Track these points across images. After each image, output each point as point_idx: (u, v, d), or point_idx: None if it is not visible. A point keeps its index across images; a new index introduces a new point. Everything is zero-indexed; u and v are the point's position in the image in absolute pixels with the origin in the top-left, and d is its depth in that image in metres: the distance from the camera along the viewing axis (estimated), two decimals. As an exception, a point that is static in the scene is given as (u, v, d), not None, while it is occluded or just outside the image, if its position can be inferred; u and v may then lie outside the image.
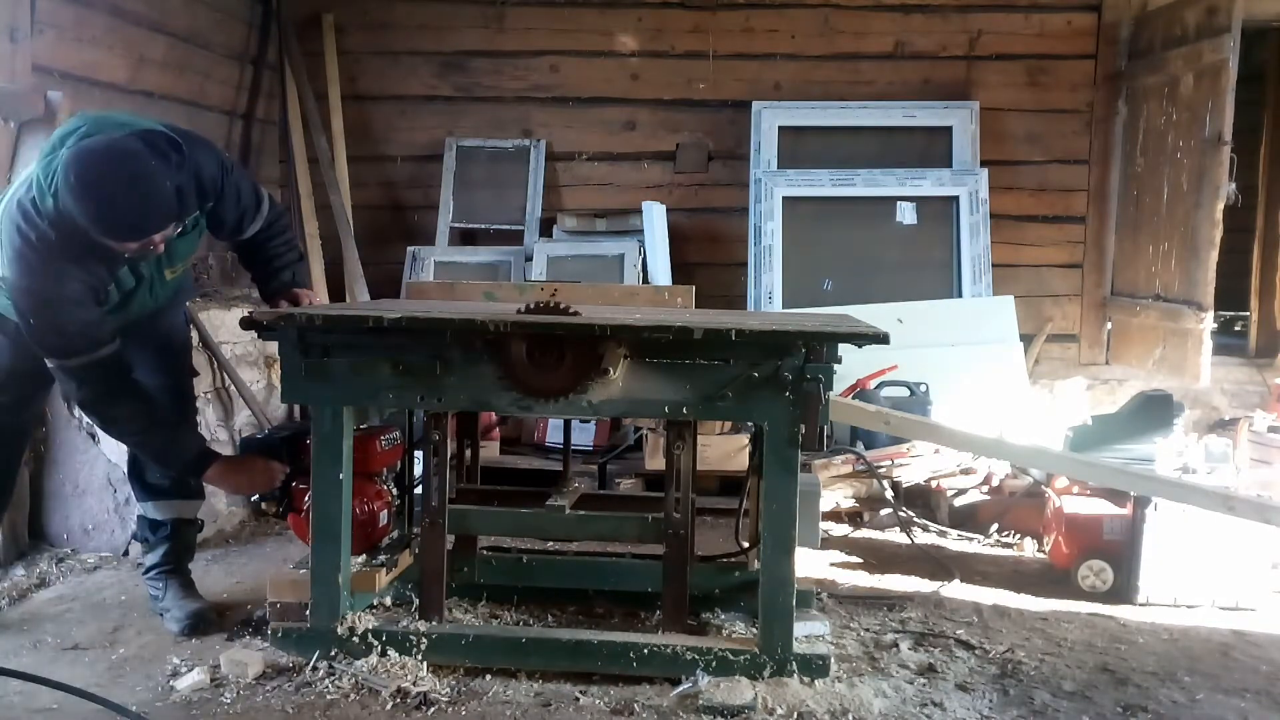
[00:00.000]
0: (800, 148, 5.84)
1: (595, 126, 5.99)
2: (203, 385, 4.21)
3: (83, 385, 2.83)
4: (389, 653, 2.78)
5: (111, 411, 2.92)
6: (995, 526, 4.22)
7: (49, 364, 2.82)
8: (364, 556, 3.01)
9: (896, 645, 3.06)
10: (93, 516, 3.88)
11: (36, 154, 2.80)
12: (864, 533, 4.36)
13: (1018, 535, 4.18)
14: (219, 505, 4.18)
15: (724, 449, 4.46)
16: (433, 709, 2.60)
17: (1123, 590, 3.53)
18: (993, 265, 5.67)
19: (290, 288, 3.18)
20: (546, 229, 5.89)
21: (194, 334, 4.18)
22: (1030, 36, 5.88)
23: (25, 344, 2.82)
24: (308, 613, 2.82)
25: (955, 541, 4.20)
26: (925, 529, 4.30)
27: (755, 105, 5.80)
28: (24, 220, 2.67)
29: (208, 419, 4.20)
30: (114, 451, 3.75)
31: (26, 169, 2.84)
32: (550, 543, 3.80)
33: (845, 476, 4.44)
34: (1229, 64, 4.77)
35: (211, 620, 3.12)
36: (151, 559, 3.25)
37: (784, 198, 5.69)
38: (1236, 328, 7.47)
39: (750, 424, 3.90)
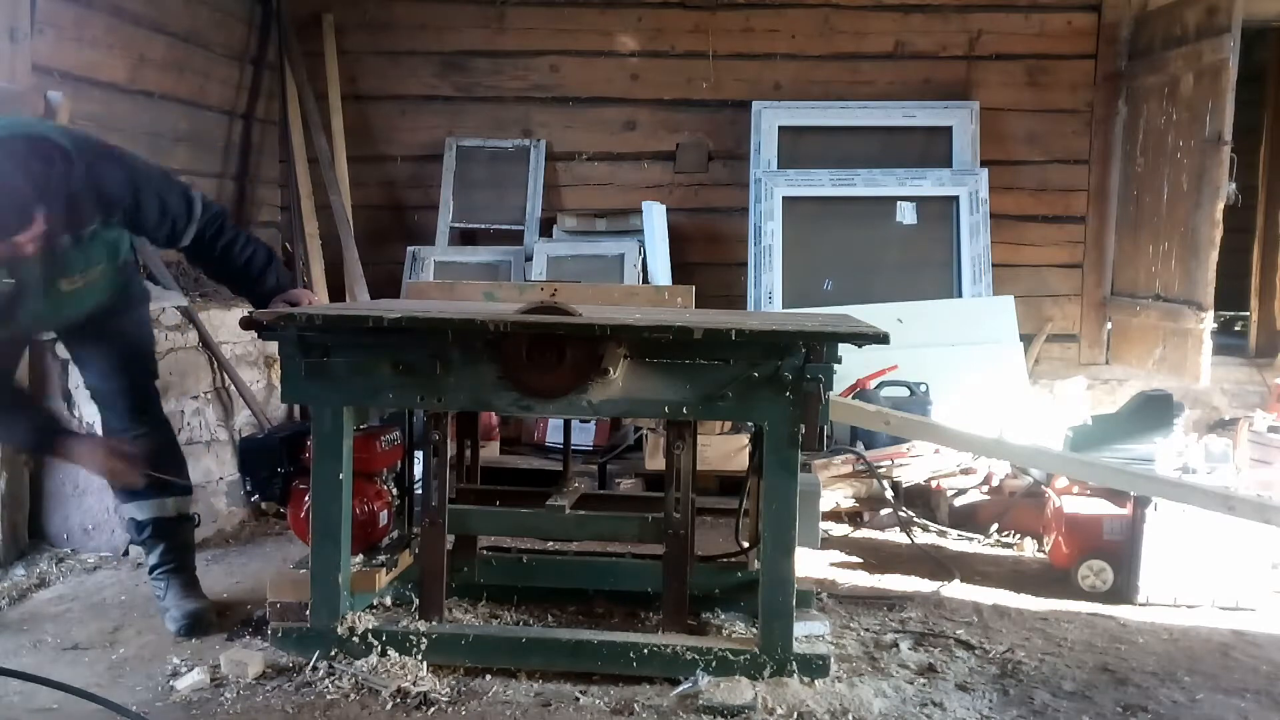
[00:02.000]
0: (800, 148, 5.83)
1: (595, 126, 5.99)
2: (203, 385, 4.22)
3: None
4: (389, 653, 2.78)
5: None
6: (995, 526, 4.22)
7: None
8: (364, 556, 3.01)
9: (896, 645, 3.06)
10: (93, 516, 3.88)
11: None
12: (864, 533, 4.36)
13: (1018, 535, 4.18)
14: (219, 505, 4.18)
15: (724, 449, 4.47)
16: (433, 709, 2.60)
17: (1123, 590, 3.53)
18: (993, 265, 5.67)
19: (278, 291, 3.15)
20: (546, 229, 5.89)
21: (194, 334, 4.20)
22: (1030, 36, 5.88)
23: None
24: (308, 613, 2.82)
25: (955, 541, 4.20)
26: (925, 529, 4.30)
27: (755, 105, 5.80)
28: None
29: (208, 419, 4.21)
30: (114, 451, 3.75)
31: None
32: (550, 543, 3.80)
33: (845, 476, 4.44)
34: (1229, 64, 4.77)
35: (210, 620, 3.12)
36: (152, 559, 3.26)
37: (784, 198, 5.69)
38: (1236, 328, 7.47)
39: (750, 424, 3.90)
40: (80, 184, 2.75)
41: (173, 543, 3.26)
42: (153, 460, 3.11)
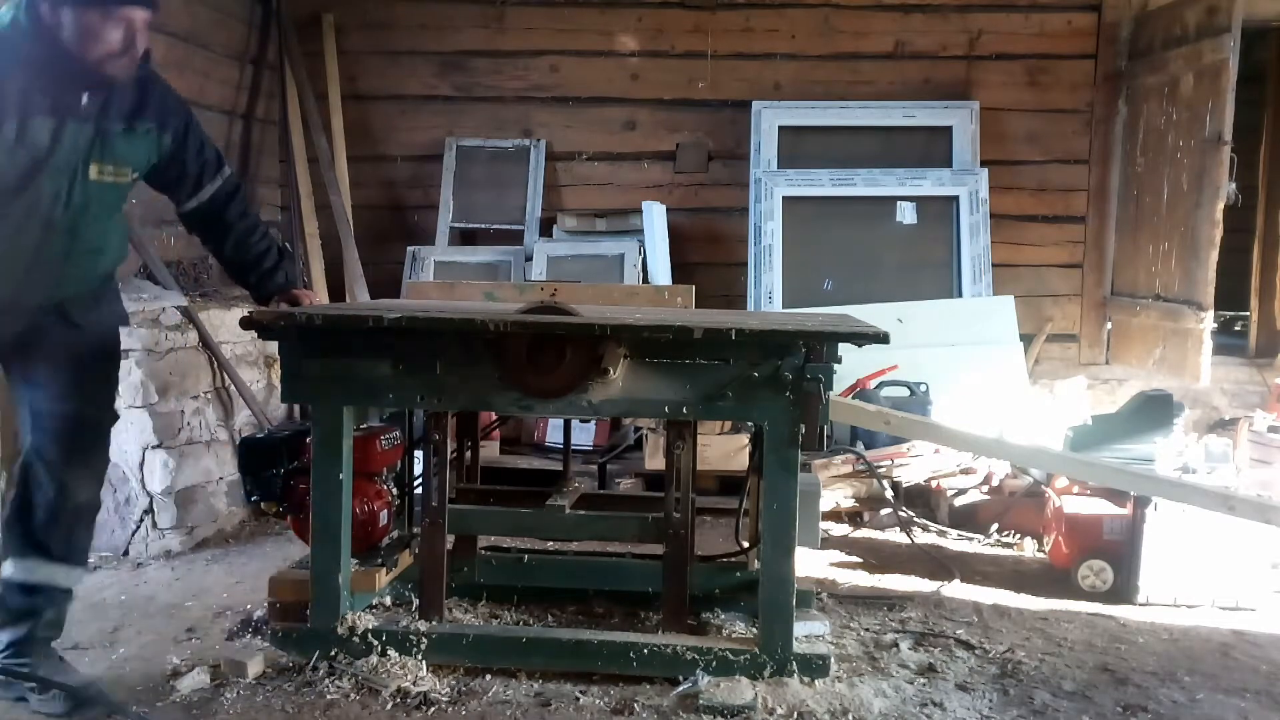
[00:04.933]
0: (800, 148, 5.83)
1: (595, 126, 5.99)
2: (202, 385, 4.21)
3: None
4: (389, 653, 2.78)
5: None
6: (995, 526, 4.22)
7: None
8: (364, 556, 3.01)
9: (896, 645, 3.06)
10: (93, 516, 3.87)
11: None
12: (864, 533, 4.36)
13: (1018, 535, 4.18)
14: (219, 505, 4.18)
15: (724, 449, 4.47)
16: (433, 709, 2.60)
17: (1123, 590, 3.53)
18: (993, 265, 5.67)
19: (286, 289, 3.11)
20: (546, 229, 5.89)
21: (194, 334, 4.19)
22: (1030, 36, 5.88)
23: None
24: (308, 613, 2.82)
25: (955, 541, 4.20)
26: (925, 529, 4.30)
27: (755, 105, 5.80)
28: None
29: (208, 419, 4.21)
30: (113, 451, 3.73)
31: None
32: (550, 543, 3.80)
33: (845, 476, 4.44)
34: (1229, 64, 4.77)
35: (102, 692, 2.64)
36: (16, 634, 2.69)
37: (784, 197, 5.69)
38: (1236, 328, 7.46)
39: (750, 424, 3.90)
40: (148, 75, 2.72)
41: (56, 616, 2.76)
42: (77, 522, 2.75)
